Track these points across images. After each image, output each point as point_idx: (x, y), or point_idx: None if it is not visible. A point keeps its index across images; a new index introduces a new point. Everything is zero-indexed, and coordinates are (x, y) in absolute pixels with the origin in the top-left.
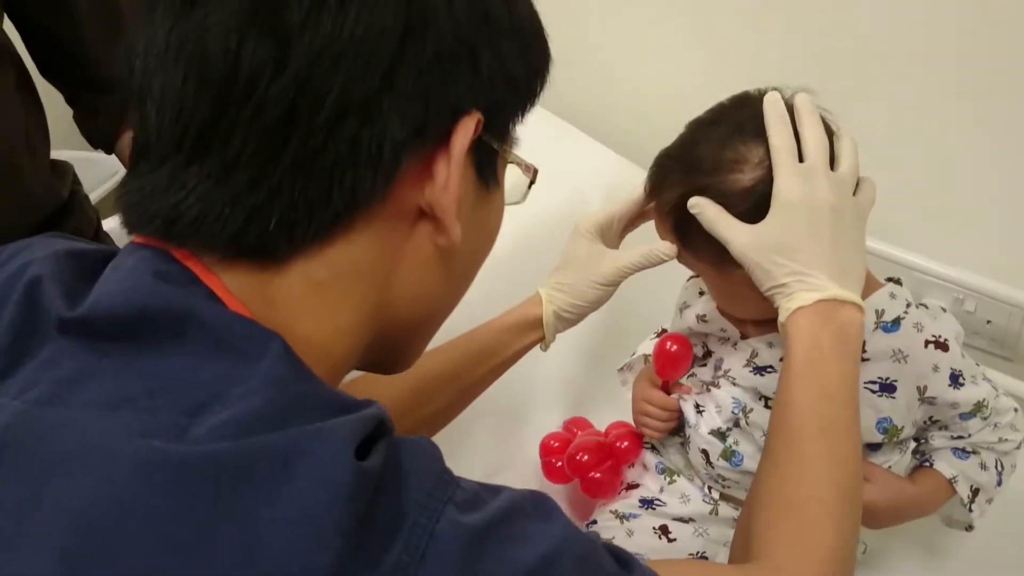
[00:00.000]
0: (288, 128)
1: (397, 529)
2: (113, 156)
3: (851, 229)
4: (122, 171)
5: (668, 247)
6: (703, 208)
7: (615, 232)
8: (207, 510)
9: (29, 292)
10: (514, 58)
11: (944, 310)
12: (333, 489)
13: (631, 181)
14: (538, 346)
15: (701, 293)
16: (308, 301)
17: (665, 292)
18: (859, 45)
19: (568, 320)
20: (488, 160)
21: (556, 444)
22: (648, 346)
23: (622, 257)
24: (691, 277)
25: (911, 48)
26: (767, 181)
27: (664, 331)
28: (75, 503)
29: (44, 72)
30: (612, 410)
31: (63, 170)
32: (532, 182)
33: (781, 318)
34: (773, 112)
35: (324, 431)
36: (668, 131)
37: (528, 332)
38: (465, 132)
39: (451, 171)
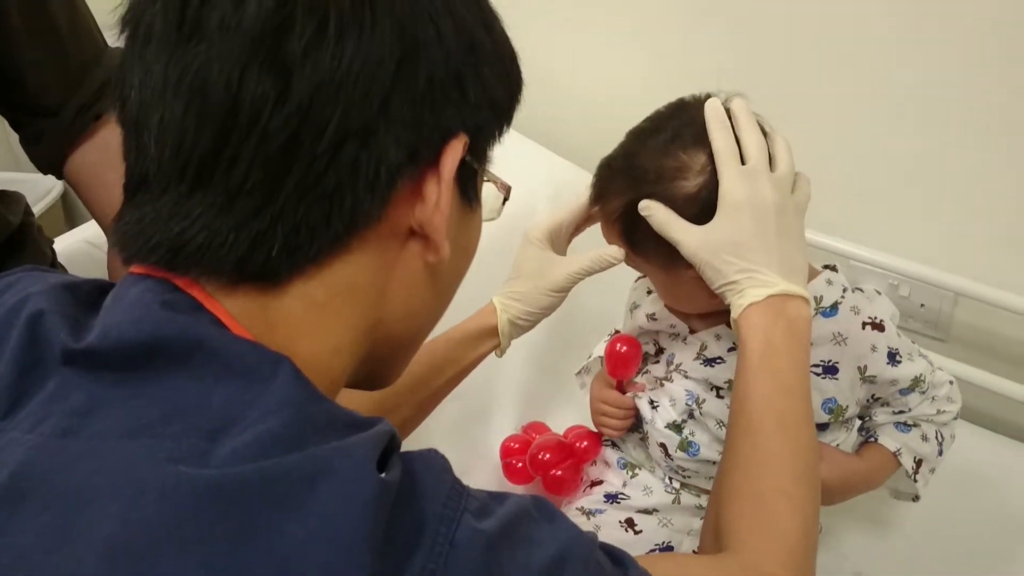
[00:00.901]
0: (291, 156)
1: (418, 539)
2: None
3: (793, 225)
4: (58, 189)
5: (616, 251)
6: (654, 211)
7: (563, 238)
8: (236, 532)
9: (31, 326)
10: (496, 82)
11: (879, 293)
12: (359, 505)
13: (575, 184)
14: (493, 353)
15: (649, 292)
16: (308, 322)
17: (615, 294)
18: (793, 46)
19: (522, 327)
20: (470, 179)
21: (516, 446)
22: (603, 348)
23: (572, 263)
24: (639, 278)
25: (841, 47)
26: (711, 186)
27: (617, 332)
28: (105, 531)
29: None
30: (569, 413)
31: (14, 200)
32: (506, 199)
33: (734, 315)
34: (714, 117)
35: (344, 449)
36: (610, 132)
37: (484, 341)
38: (454, 154)
39: (442, 191)
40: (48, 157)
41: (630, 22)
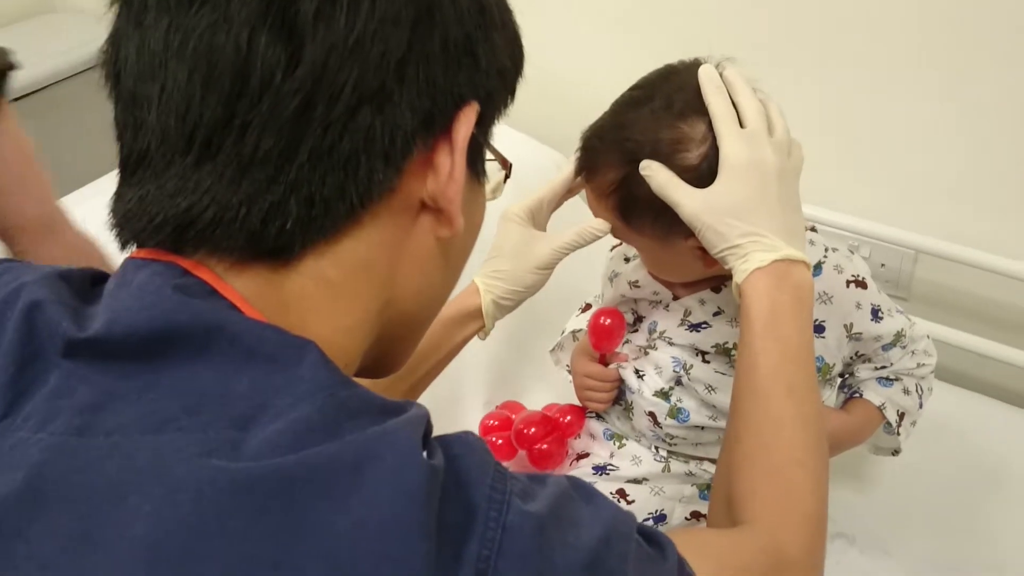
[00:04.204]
0: (305, 122)
1: (470, 524)
2: None
3: (792, 190)
4: None
5: (601, 224)
6: (655, 172)
7: (544, 215)
8: (283, 527)
9: (28, 316)
10: (504, 49)
11: (852, 251)
12: (410, 491)
13: (538, 161)
14: (477, 336)
15: (627, 260)
16: (321, 301)
17: (583, 269)
18: (747, 13)
19: (506, 307)
20: (478, 152)
21: (495, 423)
22: (575, 323)
23: (557, 239)
24: (614, 246)
25: (794, 12)
26: (711, 155)
27: (588, 306)
28: (139, 532)
29: None
30: (543, 391)
31: None
32: (507, 176)
33: (737, 279)
34: (710, 83)
35: (387, 434)
36: (575, 109)
37: (467, 324)
38: (467, 122)
39: (455, 160)
40: None
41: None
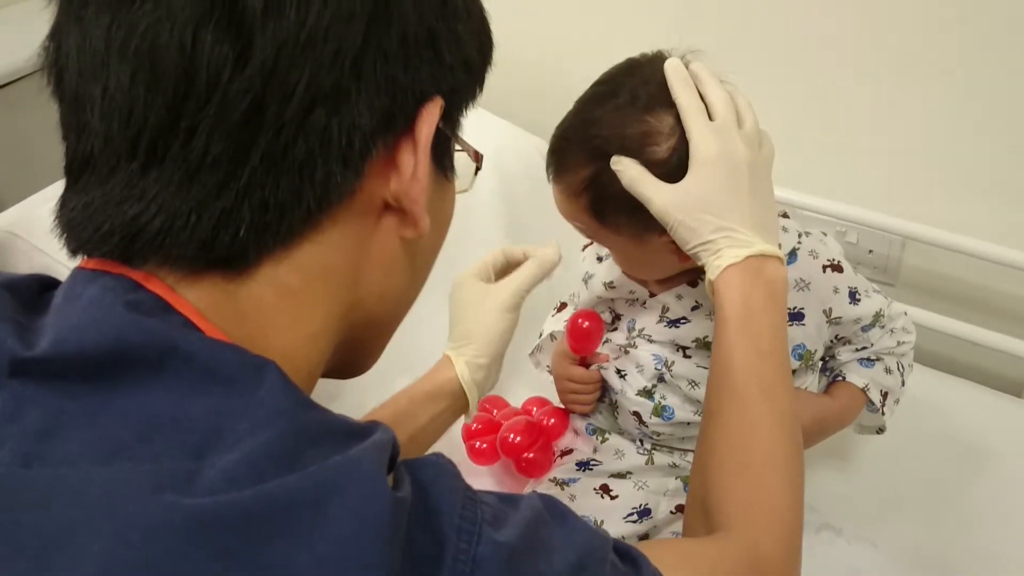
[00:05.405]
0: (255, 124)
1: (439, 557)
2: None
3: (764, 183)
4: None
5: (553, 251)
6: (625, 167)
7: (491, 276)
8: (241, 567)
9: None
10: (468, 41)
11: (825, 235)
12: (374, 525)
13: (516, 146)
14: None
15: (599, 259)
16: (280, 309)
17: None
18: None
19: (482, 367)
20: (444, 148)
21: (478, 426)
22: (552, 324)
23: (514, 278)
24: (586, 246)
25: (795, 3)
26: (681, 148)
27: (563, 305)
28: (88, 574)
29: None
30: (524, 386)
31: None
32: (478, 168)
33: (710, 275)
34: (676, 76)
35: (349, 464)
36: (558, 96)
37: (441, 399)
38: (430, 119)
39: (418, 159)
40: None
41: None
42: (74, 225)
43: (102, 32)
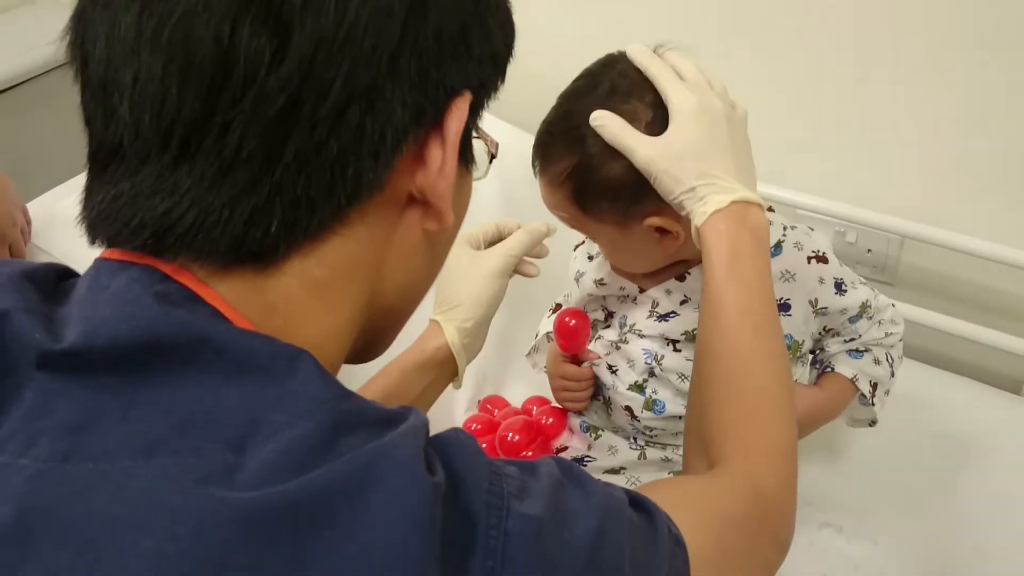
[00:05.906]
0: (290, 121)
1: (472, 535)
2: None
3: (741, 134)
4: None
5: (544, 223)
6: (606, 122)
7: (480, 246)
8: (290, 559)
9: None
10: (496, 35)
11: (811, 229)
12: (415, 513)
13: (517, 148)
14: (452, 383)
15: (590, 258)
16: (308, 303)
17: (554, 267)
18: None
19: (471, 331)
20: (467, 140)
21: (478, 427)
22: (547, 325)
23: (506, 243)
24: (578, 245)
25: (791, 2)
26: (660, 114)
27: (559, 306)
28: (138, 569)
29: None
30: (524, 386)
31: None
32: (493, 156)
33: (696, 222)
34: (642, 55)
35: (385, 451)
36: (547, 92)
37: (430, 369)
38: (460, 114)
39: (447, 154)
40: None
41: None
42: (103, 217)
43: (132, 19)
